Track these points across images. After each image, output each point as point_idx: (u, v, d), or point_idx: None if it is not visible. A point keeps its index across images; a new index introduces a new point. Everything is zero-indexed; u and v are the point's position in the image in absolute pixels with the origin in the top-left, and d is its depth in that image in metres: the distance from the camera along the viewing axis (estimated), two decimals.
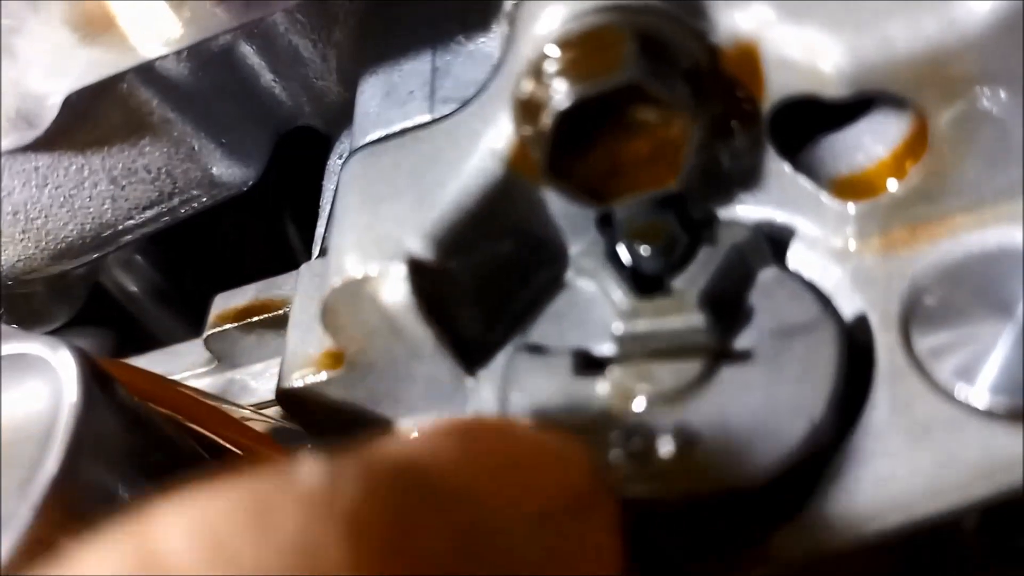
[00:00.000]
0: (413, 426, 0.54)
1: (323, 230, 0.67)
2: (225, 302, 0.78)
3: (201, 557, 0.28)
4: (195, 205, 0.73)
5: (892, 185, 0.46)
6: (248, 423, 0.63)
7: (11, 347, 0.55)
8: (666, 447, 0.43)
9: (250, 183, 0.76)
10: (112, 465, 0.55)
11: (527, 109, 0.45)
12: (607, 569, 0.37)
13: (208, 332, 0.75)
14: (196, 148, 0.69)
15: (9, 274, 0.72)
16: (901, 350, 0.43)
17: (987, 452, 0.40)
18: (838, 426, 0.42)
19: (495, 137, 0.48)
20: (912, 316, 0.44)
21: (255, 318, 0.74)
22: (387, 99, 0.60)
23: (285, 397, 0.55)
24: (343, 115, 0.70)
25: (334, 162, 0.73)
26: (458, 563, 0.30)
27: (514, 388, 0.48)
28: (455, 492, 0.33)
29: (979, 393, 0.41)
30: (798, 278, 0.47)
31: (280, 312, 0.73)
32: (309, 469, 0.31)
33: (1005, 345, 0.41)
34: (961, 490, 0.40)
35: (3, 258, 0.71)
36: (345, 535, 0.29)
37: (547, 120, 0.43)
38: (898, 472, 0.41)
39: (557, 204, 0.50)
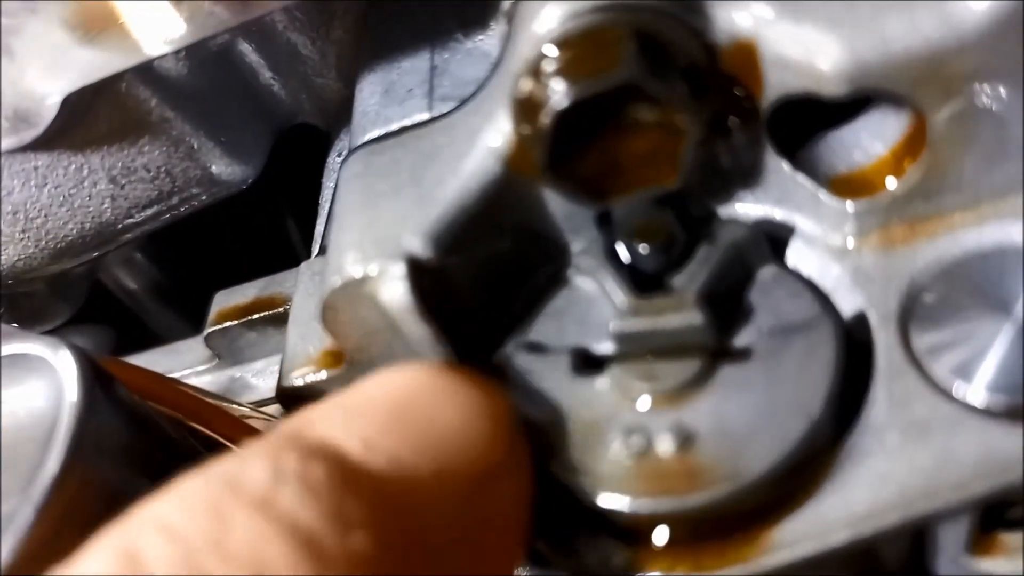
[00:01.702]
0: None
1: (322, 228, 0.67)
2: (226, 299, 0.78)
3: (173, 564, 0.31)
4: (195, 203, 0.73)
5: (891, 183, 0.46)
6: (249, 421, 0.63)
7: (12, 347, 0.55)
8: (665, 445, 0.43)
9: (249, 181, 0.76)
10: (113, 464, 0.55)
11: (526, 108, 0.45)
12: (520, 520, 0.39)
13: (209, 329, 0.75)
14: (195, 147, 0.69)
15: (9, 273, 0.72)
16: (900, 348, 0.43)
17: (985, 450, 0.40)
18: (836, 424, 0.43)
19: (494, 136, 0.48)
20: (911, 314, 0.44)
21: (256, 315, 0.75)
22: (386, 97, 0.60)
23: (285, 396, 0.55)
24: (342, 112, 0.70)
25: (333, 160, 0.73)
26: (388, 551, 0.33)
27: (513, 386, 0.48)
28: (385, 479, 0.35)
29: (977, 391, 0.41)
30: (797, 276, 0.47)
31: (281, 309, 0.74)
32: (256, 465, 0.34)
33: (1003, 343, 0.41)
34: (959, 488, 0.40)
35: (3, 257, 0.71)
36: (288, 545, 0.32)
37: (546, 119, 0.43)
38: (896, 470, 0.41)
39: (556, 202, 0.50)
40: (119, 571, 0.31)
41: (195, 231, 0.83)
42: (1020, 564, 0.46)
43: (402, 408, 0.38)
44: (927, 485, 0.40)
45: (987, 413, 0.40)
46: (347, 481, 0.34)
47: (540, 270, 0.52)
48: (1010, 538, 0.46)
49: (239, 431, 0.61)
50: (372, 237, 0.49)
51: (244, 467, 0.34)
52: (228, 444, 0.61)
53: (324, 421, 0.37)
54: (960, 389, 0.41)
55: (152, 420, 0.57)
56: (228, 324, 0.75)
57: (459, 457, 0.37)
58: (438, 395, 0.39)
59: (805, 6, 0.43)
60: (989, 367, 0.41)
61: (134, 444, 0.56)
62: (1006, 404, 0.40)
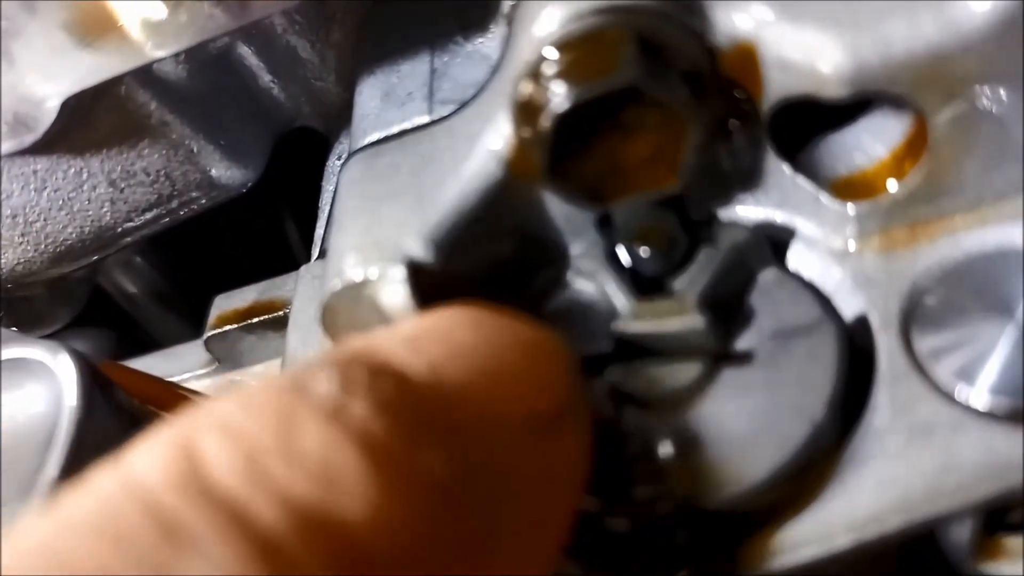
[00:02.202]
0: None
1: (322, 231, 0.67)
2: (225, 303, 0.78)
3: (234, 464, 0.29)
4: (194, 207, 0.73)
5: (892, 185, 0.46)
6: None
7: (11, 351, 0.55)
8: (665, 449, 0.43)
9: (249, 184, 0.76)
10: None
11: (526, 111, 0.45)
12: (579, 477, 0.38)
13: (209, 333, 0.75)
14: (195, 150, 0.69)
15: (9, 277, 0.72)
16: (901, 351, 0.43)
17: (988, 454, 0.40)
18: (839, 428, 0.43)
19: (494, 139, 0.48)
20: (912, 317, 0.44)
21: (256, 319, 0.75)
22: (385, 100, 0.60)
23: None
24: (342, 116, 0.70)
25: (333, 163, 0.73)
26: (454, 478, 0.32)
27: None
28: (452, 404, 0.34)
29: (979, 394, 0.41)
30: (798, 279, 0.47)
31: (280, 313, 0.73)
32: (324, 376, 0.32)
33: (1006, 346, 0.41)
34: (962, 492, 0.40)
35: (3, 261, 0.71)
36: (360, 455, 0.30)
37: (546, 122, 0.43)
38: (899, 474, 0.41)
39: (557, 205, 0.50)
40: (175, 468, 0.30)
41: (195, 235, 0.83)
42: (1021, 567, 0.46)
43: (466, 339, 0.36)
44: (930, 489, 0.40)
45: (989, 416, 0.40)
46: (417, 399, 0.33)
47: (540, 273, 0.52)
48: (1012, 541, 0.46)
49: None
50: (372, 240, 0.49)
51: (312, 377, 0.32)
52: None
53: (387, 344, 0.35)
54: (962, 392, 0.41)
55: (151, 425, 0.57)
56: (228, 328, 0.75)
57: (527, 394, 0.36)
58: (502, 330, 0.38)
59: (805, 8, 0.43)
60: (991, 370, 0.41)
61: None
62: (1009, 407, 0.40)
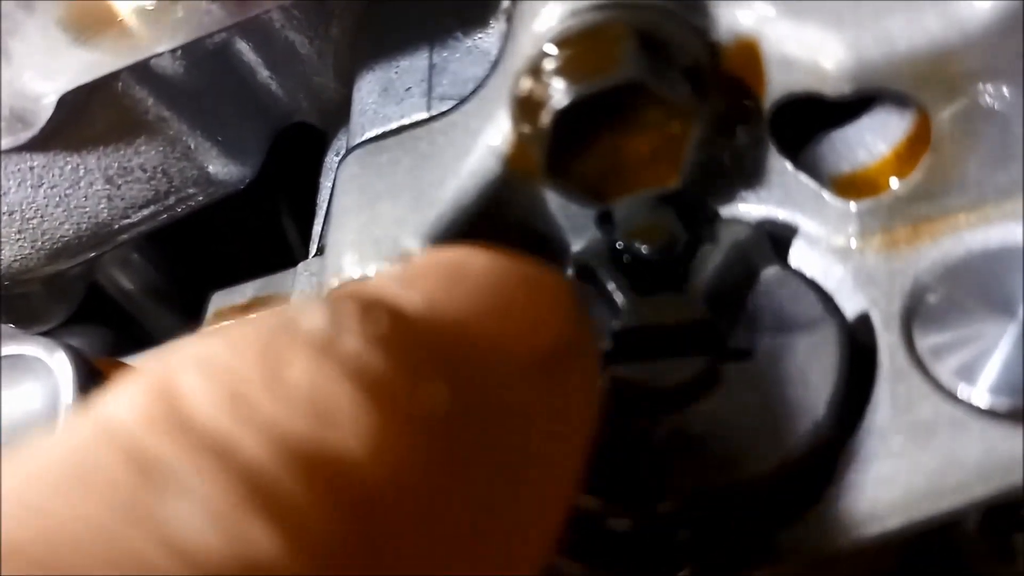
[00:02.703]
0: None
1: (320, 228, 0.67)
2: (223, 300, 0.77)
3: (217, 401, 0.27)
4: (191, 203, 0.73)
5: (894, 183, 0.46)
6: None
7: (8, 348, 0.54)
8: (667, 447, 0.42)
9: (247, 181, 0.76)
10: None
11: (526, 107, 0.45)
12: (588, 421, 0.36)
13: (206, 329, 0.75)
14: (192, 146, 0.68)
15: (5, 274, 0.71)
16: (903, 349, 0.43)
17: (989, 452, 0.40)
18: (840, 426, 0.42)
19: (493, 135, 0.48)
20: (914, 315, 0.43)
21: (253, 316, 0.74)
22: (384, 96, 0.60)
23: None
24: (340, 111, 0.70)
25: (331, 159, 0.73)
26: (456, 415, 0.30)
27: None
28: (451, 338, 0.32)
29: (981, 393, 0.40)
30: (800, 276, 0.47)
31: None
32: (313, 312, 0.30)
33: (1007, 344, 0.41)
34: (963, 491, 0.40)
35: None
36: (355, 388, 0.28)
37: (546, 118, 0.43)
38: (900, 473, 0.41)
39: (557, 202, 0.49)
40: (153, 408, 0.27)
41: (192, 231, 0.82)
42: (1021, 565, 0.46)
43: (465, 274, 0.34)
44: (931, 488, 0.40)
45: (991, 415, 0.40)
46: (414, 332, 0.31)
47: None
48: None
49: None
50: (370, 238, 0.49)
51: (300, 313, 0.30)
52: None
53: (381, 282, 0.34)
54: (964, 391, 0.41)
55: None
56: (225, 324, 0.75)
57: (531, 330, 0.34)
58: (502, 266, 0.35)
59: (808, 4, 0.43)
60: (993, 369, 0.41)
61: None
62: (1010, 406, 0.40)
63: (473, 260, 0.35)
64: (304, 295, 0.62)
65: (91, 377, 0.53)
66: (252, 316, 0.30)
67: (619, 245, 0.48)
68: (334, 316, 0.30)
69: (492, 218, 0.49)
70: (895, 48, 0.41)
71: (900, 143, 0.47)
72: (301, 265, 0.63)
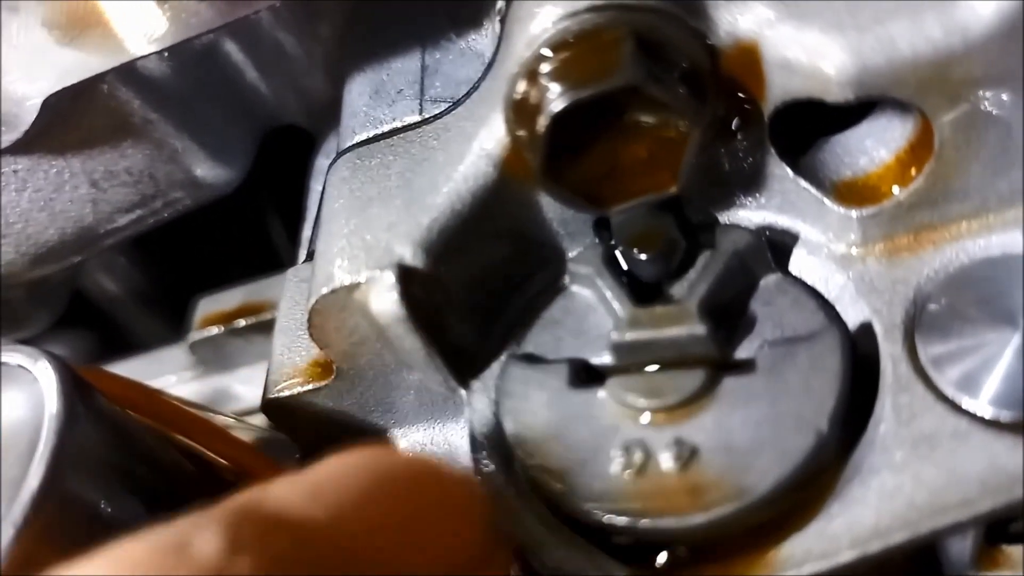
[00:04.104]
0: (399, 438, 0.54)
1: (309, 233, 0.66)
2: (210, 305, 0.77)
3: None
4: (178, 207, 0.72)
5: (896, 190, 0.45)
6: (233, 431, 0.62)
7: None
8: (667, 462, 0.42)
9: (234, 184, 0.75)
10: (94, 478, 0.55)
11: (521, 111, 0.44)
12: None
13: (193, 336, 0.75)
14: (178, 149, 0.68)
15: None
16: (906, 360, 0.42)
17: (991, 465, 0.40)
18: (843, 439, 0.42)
19: (487, 139, 0.47)
20: (917, 324, 0.43)
21: (241, 322, 0.74)
22: (375, 98, 0.59)
23: (271, 408, 0.54)
24: (330, 113, 0.69)
25: (320, 162, 0.72)
26: None
27: (508, 399, 0.47)
28: (355, 556, 0.31)
29: (984, 404, 0.40)
30: (801, 284, 0.46)
31: (267, 315, 0.73)
32: (207, 534, 0.30)
33: (1010, 355, 0.41)
34: (966, 506, 0.39)
35: None
36: None
37: (542, 123, 0.42)
38: (903, 486, 0.40)
39: (552, 208, 0.49)
40: None
41: (178, 235, 0.82)
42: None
43: (372, 486, 0.34)
44: (934, 502, 0.39)
45: (994, 426, 0.40)
46: (314, 555, 0.31)
47: (536, 277, 0.51)
48: (1014, 551, 0.45)
49: (222, 442, 0.61)
50: (361, 244, 0.48)
51: (194, 534, 0.30)
52: (211, 456, 0.60)
53: (284, 492, 0.33)
54: (967, 402, 0.40)
55: (134, 432, 0.57)
56: (212, 330, 0.74)
57: (439, 544, 0.34)
58: (412, 479, 0.36)
59: (809, 8, 0.42)
60: (995, 379, 0.40)
61: (115, 457, 0.55)
62: (1012, 417, 0.40)
63: (383, 469, 0.35)
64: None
65: (76, 387, 0.52)
66: (144, 532, 0.30)
67: (617, 252, 0.47)
68: (230, 538, 0.29)
69: (485, 224, 0.49)
70: (897, 53, 0.41)
71: (902, 149, 0.46)
72: (290, 271, 0.62)
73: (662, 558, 0.41)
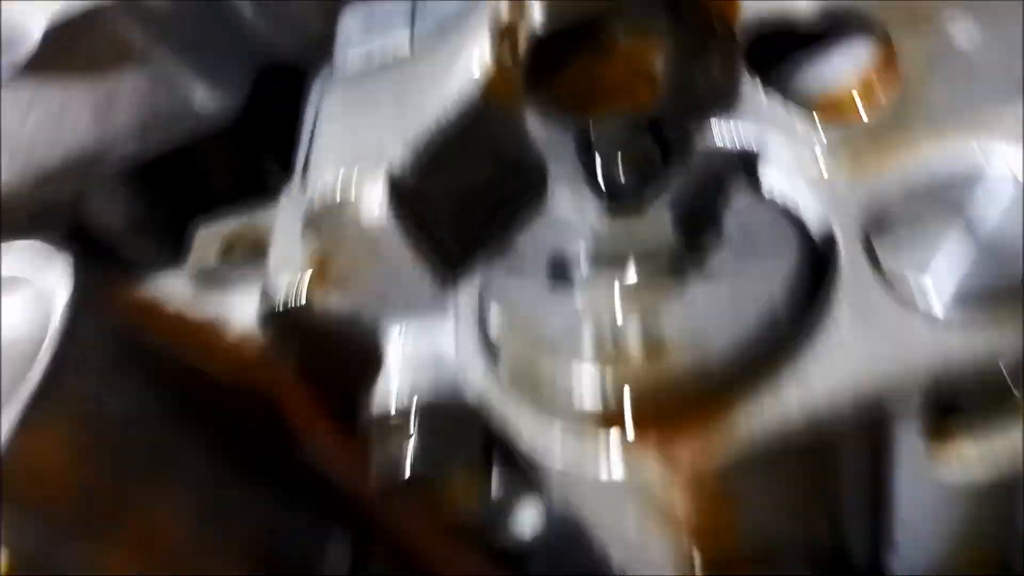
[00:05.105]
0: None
1: (303, 155, 0.69)
2: (207, 232, 0.79)
3: None
4: (176, 136, 0.75)
5: (862, 109, 0.49)
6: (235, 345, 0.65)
7: (10, 260, 0.58)
8: (637, 353, 0.45)
9: (230, 116, 0.78)
10: (98, 378, 0.58)
11: (504, 33, 0.47)
12: None
13: (191, 262, 0.77)
14: (177, 79, 0.70)
15: None
16: (865, 263, 0.46)
17: (934, 351, 0.43)
18: (798, 321, 0.45)
19: (474, 62, 0.50)
20: (877, 230, 0.46)
21: (237, 247, 0.76)
22: (368, 28, 0.62)
23: (270, 318, 0.57)
24: (323, 46, 0.72)
25: (314, 93, 0.75)
26: None
27: (492, 300, 0.51)
28: None
29: (935, 302, 0.44)
30: (769, 200, 0.50)
31: (262, 240, 0.75)
32: None
33: (961, 258, 0.44)
34: (908, 381, 0.43)
35: None
36: None
37: (524, 42, 0.45)
38: (853, 366, 0.44)
39: (536, 128, 0.52)
40: None
41: (176, 164, 0.84)
42: (975, 470, 0.49)
43: None
44: (880, 377, 0.43)
45: (941, 321, 0.43)
46: None
47: (519, 193, 0.54)
48: (965, 446, 0.49)
49: (220, 350, 0.65)
50: (353, 158, 0.51)
51: None
52: (211, 363, 0.63)
53: None
54: (920, 301, 0.44)
55: (138, 337, 0.60)
56: (209, 255, 0.77)
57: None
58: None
59: None
60: (948, 280, 0.44)
61: (119, 360, 0.59)
62: (959, 313, 0.44)
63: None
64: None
65: (85, 289, 0.55)
66: None
67: (595, 167, 0.50)
68: None
69: (471, 144, 0.52)
70: None
71: (868, 72, 0.49)
72: (284, 192, 0.65)
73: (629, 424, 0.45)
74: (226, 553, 0.70)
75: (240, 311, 0.77)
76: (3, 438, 0.54)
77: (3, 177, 0.72)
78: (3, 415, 0.54)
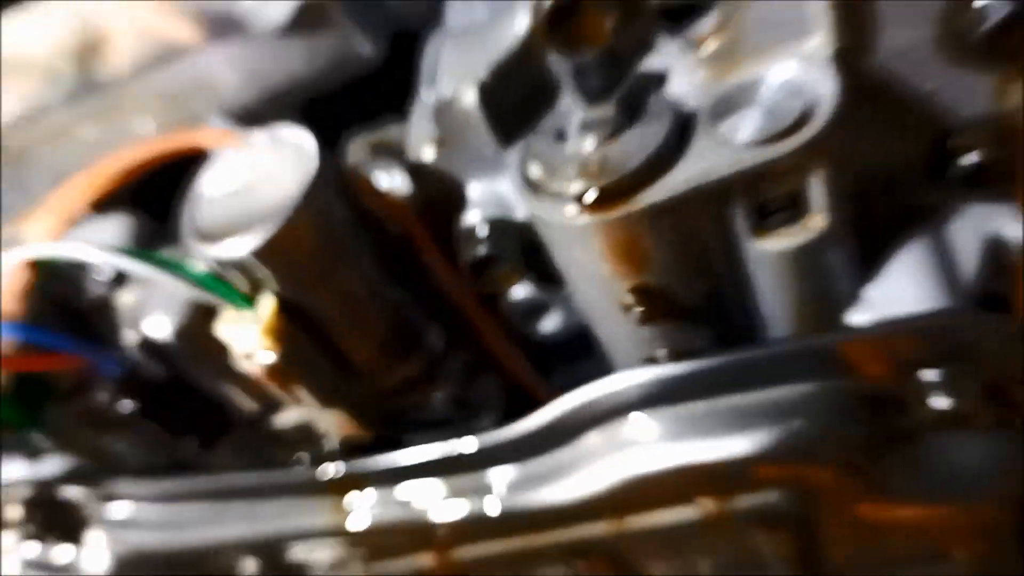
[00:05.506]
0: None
1: (428, 80, 0.95)
2: (359, 139, 1.05)
3: None
4: (347, 75, 1.04)
5: (715, 43, 0.83)
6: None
7: (280, 128, 0.89)
8: (596, 169, 0.79)
9: (372, 67, 1.06)
10: (327, 200, 0.84)
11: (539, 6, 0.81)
12: None
13: (348, 160, 1.02)
14: (351, 36, 1.00)
15: None
16: (711, 121, 0.75)
17: (739, 160, 0.72)
18: (677, 151, 0.75)
19: (524, 20, 0.87)
20: (721, 106, 0.76)
21: (382, 147, 1.02)
22: (465, 5, 0.96)
23: (411, 174, 0.96)
24: (435, 16, 1.01)
25: (430, 43, 1.01)
26: None
27: (528, 155, 0.82)
28: None
29: (741, 137, 0.72)
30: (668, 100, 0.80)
31: (397, 142, 1.03)
32: None
33: (759, 117, 0.76)
34: (726, 174, 0.72)
35: None
36: None
37: (546, 9, 0.79)
38: (701, 169, 0.73)
39: (553, 58, 0.83)
40: None
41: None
42: (791, 241, 0.74)
43: None
44: (714, 174, 0.73)
45: (747, 144, 0.71)
46: None
47: (544, 100, 0.88)
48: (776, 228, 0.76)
49: (383, 203, 0.92)
50: (459, 76, 0.88)
51: None
52: (379, 210, 0.91)
53: None
54: (734, 137, 0.73)
55: (361, 204, 0.90)
56: (361, 154, 1.02)
57: None
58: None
59: None
60: (748, 129, 0.73)
61: (337, 194, 0.87)
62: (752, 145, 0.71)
63: None
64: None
65: (329, 159, 0.83)
66: None
67: (583, 81, 0.84)
68: None
69: (521, 69, 0.87)
70: None
71: (718, 24, 0.84)
72: (414, 112, 0.95)
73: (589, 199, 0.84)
74: (379, 313, 0.94)
75: (387, 183, 1.04)
76: (272, 230, 0.79)
77: (252, 94, 1.02)
78: (277, 215, 0.78)
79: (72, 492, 1.11)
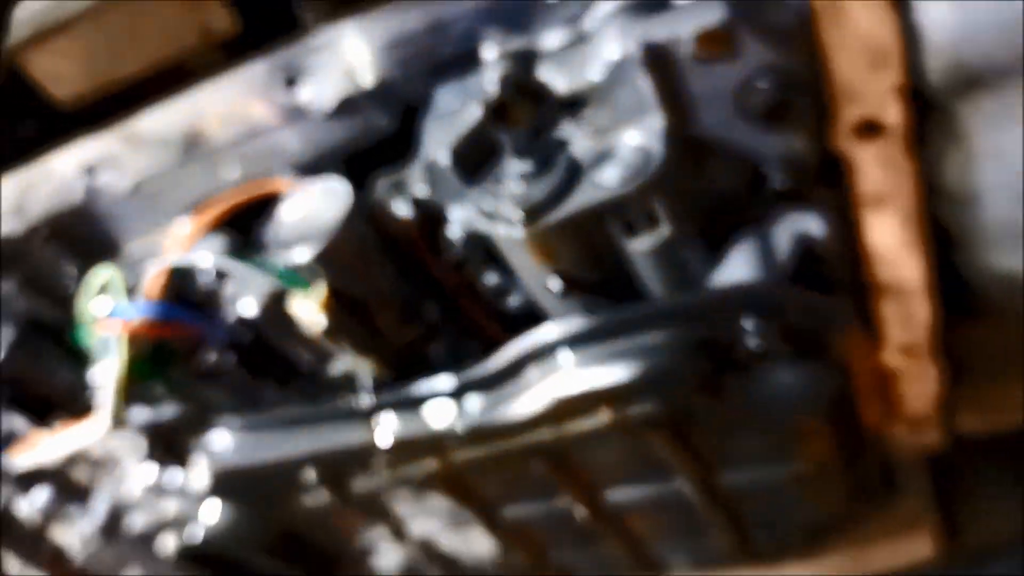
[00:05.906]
0: None
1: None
2: (385, 179, 1.18)
3: None
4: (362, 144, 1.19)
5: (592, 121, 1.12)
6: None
7: (325, 183, 1.12)
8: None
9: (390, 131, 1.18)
10: (362, 244, 1.13)
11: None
12: None
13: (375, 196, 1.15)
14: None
15: None
16: (590, 172, 1.04)
17: (606, 195, 1.02)
18: (580, 181, 1.01)
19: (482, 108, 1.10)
20: (595, 164, 1.03)
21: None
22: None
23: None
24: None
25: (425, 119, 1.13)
26: None
27: (482, 194, 1.06)
28: None
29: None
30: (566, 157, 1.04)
31: None
32: None
33: (618, 169, 1.05)
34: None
35: None
36: None
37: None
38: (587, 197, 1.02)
39: (501, 136, 1.08)
40: None
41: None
42: (651, 242, 1.01)
43: None
44: (596, 201, 1.01)
45: (611, 186, 1.03)
46: None
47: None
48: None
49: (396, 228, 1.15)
50: (439, 142, 1.10)
51: None
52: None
53: None
54: (605, 181, 1.01)
55: (382, 225, 1.12)
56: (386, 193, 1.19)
57: None
58: None
59: None
60: (615, 173, 1.02)
61: (373, 243, 1.13)
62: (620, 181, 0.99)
63: None
64: None
65: (358, 198, 1.06)
66: None
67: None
68: None
69: (481, 136, 1.09)
70: None
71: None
72: (415, 163, 1.11)
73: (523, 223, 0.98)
74: (393, 294, 1.17)
75: (399, 211, 1.17)
76: (323, 244, 1.06)
77: (309, 155, 1.18)
78: (326, 234, 1.06)
79: (183, 428, 1.36)
